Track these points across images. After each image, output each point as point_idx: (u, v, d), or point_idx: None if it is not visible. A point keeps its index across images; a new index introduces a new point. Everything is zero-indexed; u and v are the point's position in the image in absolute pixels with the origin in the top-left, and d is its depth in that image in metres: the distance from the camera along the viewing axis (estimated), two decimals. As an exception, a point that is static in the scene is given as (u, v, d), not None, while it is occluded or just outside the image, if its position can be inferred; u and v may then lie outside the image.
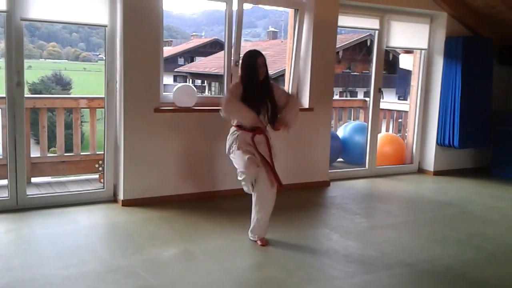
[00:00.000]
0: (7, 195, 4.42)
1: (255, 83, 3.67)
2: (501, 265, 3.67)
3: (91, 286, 3.00)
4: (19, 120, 4.34)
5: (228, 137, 3.82)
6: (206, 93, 23.30)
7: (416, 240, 4.11)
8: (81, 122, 5.96)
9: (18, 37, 4.26)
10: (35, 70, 24.91)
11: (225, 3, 5.06)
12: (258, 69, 3.65)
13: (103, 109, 4.82)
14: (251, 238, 3.82)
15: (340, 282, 3.22)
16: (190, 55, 32.44)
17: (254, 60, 3.67)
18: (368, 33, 19.71)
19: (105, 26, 4.57)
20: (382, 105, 6.83)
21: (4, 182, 4.88)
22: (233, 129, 3.79)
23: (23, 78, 4.36)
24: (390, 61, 20.87)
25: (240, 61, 3.84)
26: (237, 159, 3.68)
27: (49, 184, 5.34)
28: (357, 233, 4.20)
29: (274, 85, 3.83)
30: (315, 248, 3.84)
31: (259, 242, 3.76)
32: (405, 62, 7.48)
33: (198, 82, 26.10)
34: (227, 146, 3.80)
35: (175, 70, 27.52)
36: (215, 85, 24.14)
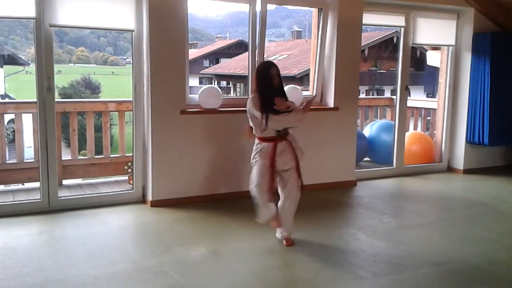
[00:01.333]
0: (39, 197, 4.55)
1: (271, 92, 3.70)
2: (534, 265, 3.59)
3: (121, 286, 3.07)
4: (50, 124, 4.46)
5: (253, 148, 3.84)
6: (232, 94, 23.40)
7: (445, 239, 4.06)
8: (110, 125, 6.07)
9: (47, 43, 4.38)
10: (64, 75, 25.50)
11: (248, 4, 5.09)
12: (272, 79, 3.72)
13: (131, 112, 4.92)
14: (279, 236, 3.85)
15: (368, 282, 3.21)
16: (215, 56, 32.67)
17: (268, 70, 3.74)
18: (394, 30, 19.51)
19: (132, 30, 4.66)
20: (410, 103, 6.75)
21: (37, 184, 5.04)
22: (256, 141, 3.82)
23: (54, 83, 4.47)
24: (417, 58, 20.55)
25: (254, 73, 3.90)
26: (253, 177, 3.77)
27: (79, 186, 5.46)
28: (385, 233, 4.17)
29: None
30: (342, 248, 3.83)
31: (284, 242, 3.78)
32: (433, 59, 7.36)
33: (224, 83, 26.25)
34: (252, 157, 3.85)
35: (201, 72, 27.74)
36: (240, 86, 24.25)
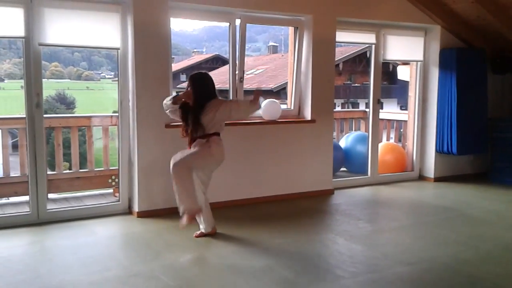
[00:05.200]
0: (28, 210, 4.68)
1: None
2: (497, 263, 3.88)
3: (115, 290, 3.25)
4: (39, 139, 4.61)
5: None
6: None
7: (417, 242, 4.35)
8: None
9: (36, 61, 4.56)
10: (39, 91, 25.12)
11: (228, 23, 5.36)
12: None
13: (116, 127, 5.11)
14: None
15: (346, 281, 3.45)
16: (192, 71, 32.74)
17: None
18: (367, 45, 20.04)
19: (118, 48, 4.87)
20: (382, 115, 7.09)
21: (23, 198, 5.17)
22: None
23: (42, 100, 4.64)
24: (390, 72, 21.16)
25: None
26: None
27: (65, 199, 5.58)
28: (361, 237, 4.44)
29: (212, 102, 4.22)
30: (322, 251, 4.08)
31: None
32: (403, 73, 7.75)
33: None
34: None
35: (178, 86, 27.84)
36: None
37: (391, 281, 3.46)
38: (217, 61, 31.49)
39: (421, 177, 6.99)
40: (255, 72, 21.22)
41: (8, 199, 5.86)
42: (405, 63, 7.46)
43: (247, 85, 5.99)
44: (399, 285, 3.41)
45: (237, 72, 5.47)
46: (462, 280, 3.53)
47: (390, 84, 23.51)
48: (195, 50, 41.83)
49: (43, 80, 4.70)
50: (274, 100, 5.85)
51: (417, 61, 6.83)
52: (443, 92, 6.63)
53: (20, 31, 4.46)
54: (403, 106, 22.67)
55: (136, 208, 4.92)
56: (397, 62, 8.68)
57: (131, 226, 4.64)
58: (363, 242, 4.28)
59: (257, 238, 4.24)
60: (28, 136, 4.61)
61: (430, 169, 6.91)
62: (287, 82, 6.35)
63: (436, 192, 6.34)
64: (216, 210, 5.02)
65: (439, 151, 6.77)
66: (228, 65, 5.61)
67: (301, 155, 5.77)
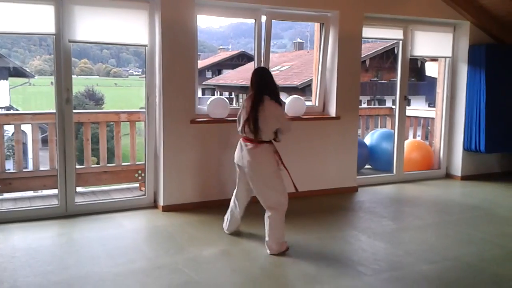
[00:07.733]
0: (57, 203, 4.81)
1: None
2: (525, 263, 3.82)
3: (140, 281, 3.32)
4: (68, 134, 4.73)
5: (267, 154, 3.94)
6: (234, 104, 23.72)
7: (441, 240, 4.30)
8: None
9: (66, 57, 4.67)
10: (68, 87, 25.65)
11: (254, 20, 5.38)
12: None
13: (143, 122, 5.19)
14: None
15: (368, 278, 3.45)
16: (217, 68, 32.98)
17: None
18: (394, 41, 19.75)
19: (145, 45, 4.94)
20: (409, 112, 7.00)
21: (52, 191, 5.31)
22: (268, 145, 3.96)
23: (72, 95, 4.75)
24: (418, 68, 20.85)
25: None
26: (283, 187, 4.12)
27: (93, 192, 5.70)
28: (385, 235, 4.41)
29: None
30: (344, 248, 4.08)
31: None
32: (431, 69, 7.64)
33: (226, 94, 26.56)
34: (274, 163, 3.98)
35: (203, 83, 28.05)
36: (242, 97, 24.57)
37: (414, 280, 3.44)
38: (243, 58, 31.56)
39: (448, 175, 6.89)
40: (280, 69, 21.21)
41: (38, 192, 6.04)
42: (434, 59, 7.36)
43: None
44: (422, 284, 3.39)
45: (262, 69, 5.48)
46: (487, 279, 3.49)
47: (418, 80, 23.18)
48: (221, 47, 42.04)
49: (73, 76, 4.80)
50: (298, 96, 5.85)
51: (445, 57, 6.73)
52: (471, 89, 6.52)
53: (50, 28, 4.57)
54: (432, 103, 22.33)
55: (161, 202, 4.99)
56: (425, 58, 8.57)
57: (156, 219, 4.72)
58: (387, 240, 4.26)
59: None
60: (57, 131, 4.73)
61: (457, 167, 6.80)
62: (312, 79, 6.33)
63: (463, 190, 6.25)
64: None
65: (466, 149, 6.66)
66: (253, 61, 5.64)
67: (325, 152, 5.76)
